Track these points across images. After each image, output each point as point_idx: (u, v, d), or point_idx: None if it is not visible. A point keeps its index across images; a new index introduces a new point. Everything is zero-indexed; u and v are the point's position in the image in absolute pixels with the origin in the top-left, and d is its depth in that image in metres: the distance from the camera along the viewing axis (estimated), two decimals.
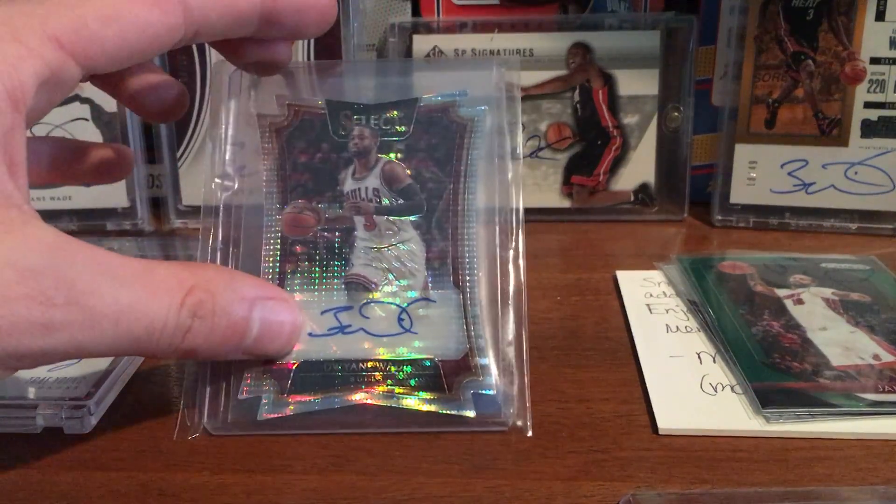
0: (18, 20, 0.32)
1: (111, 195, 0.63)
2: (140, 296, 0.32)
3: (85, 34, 0.32)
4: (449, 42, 0.63)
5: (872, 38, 0.58)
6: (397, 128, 0.42)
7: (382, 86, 0.44)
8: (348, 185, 0.41)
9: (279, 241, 0.41)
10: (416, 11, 0.65)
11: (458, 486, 0.35)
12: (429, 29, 0.63)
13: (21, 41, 0.31)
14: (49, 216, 0.63)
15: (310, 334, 0.39)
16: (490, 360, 0.38)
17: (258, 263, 0.40)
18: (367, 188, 0.41)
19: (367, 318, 0.39)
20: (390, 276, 0.39)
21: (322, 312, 0.39)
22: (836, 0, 0.58)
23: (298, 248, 0.40)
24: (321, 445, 0.37)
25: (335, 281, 0.40)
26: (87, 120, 0.62)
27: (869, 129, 0.59)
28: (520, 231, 0.41)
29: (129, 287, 0.32)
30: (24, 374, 0.43)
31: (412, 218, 0.41)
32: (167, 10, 0.34)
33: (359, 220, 0.41)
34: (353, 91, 0.44)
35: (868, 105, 0.59)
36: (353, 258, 0.40)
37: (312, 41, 0.62)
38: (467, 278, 0.40)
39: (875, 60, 0.58)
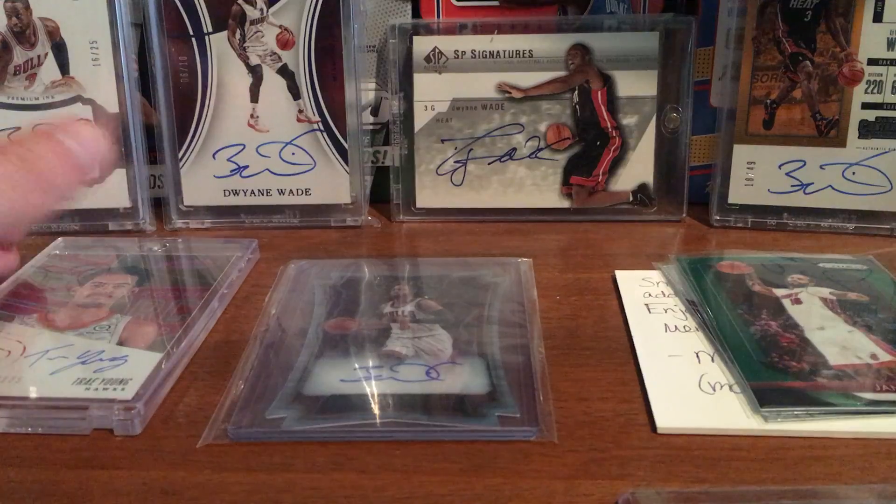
0: None
1: (113, 195, 0.63)
2: None
3: None
4: (449, 43, 0.63)
5: (870, 39, 0.58)
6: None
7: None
8: (387, 309, 0.49)
9: (321, 332, 0.47)
10: (416, 13, 0.65)
11: (457, 485, 0.35)
12: (429, 30, 0.64)
13: None
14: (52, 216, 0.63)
15: (341, 380, 0.42)
16: (512, 395, 0.41)
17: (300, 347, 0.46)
18: (403, 311, 0.49)
19: (397, 372, 0.43)
20: (420, 352, 0.45)
21: (354, 369, 0.43)
22: (834, 1, 0.58)
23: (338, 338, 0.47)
24: (322, 445, 0.38)
25: (369, 354, 0.45)
26: (89, 121, 0.62)
27: (867, 129, 0.59)
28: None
29: None
30: (70, 374, 0.42)
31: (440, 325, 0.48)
32: None
33: (395, 325, 0.47)
34: None
35: (866, 106, 0.59)
36: (387, 342, 0.46)
37: (313, 42, 0.62)
38: (489, 351, 0.45)
39: (873, 61, 0.58)
